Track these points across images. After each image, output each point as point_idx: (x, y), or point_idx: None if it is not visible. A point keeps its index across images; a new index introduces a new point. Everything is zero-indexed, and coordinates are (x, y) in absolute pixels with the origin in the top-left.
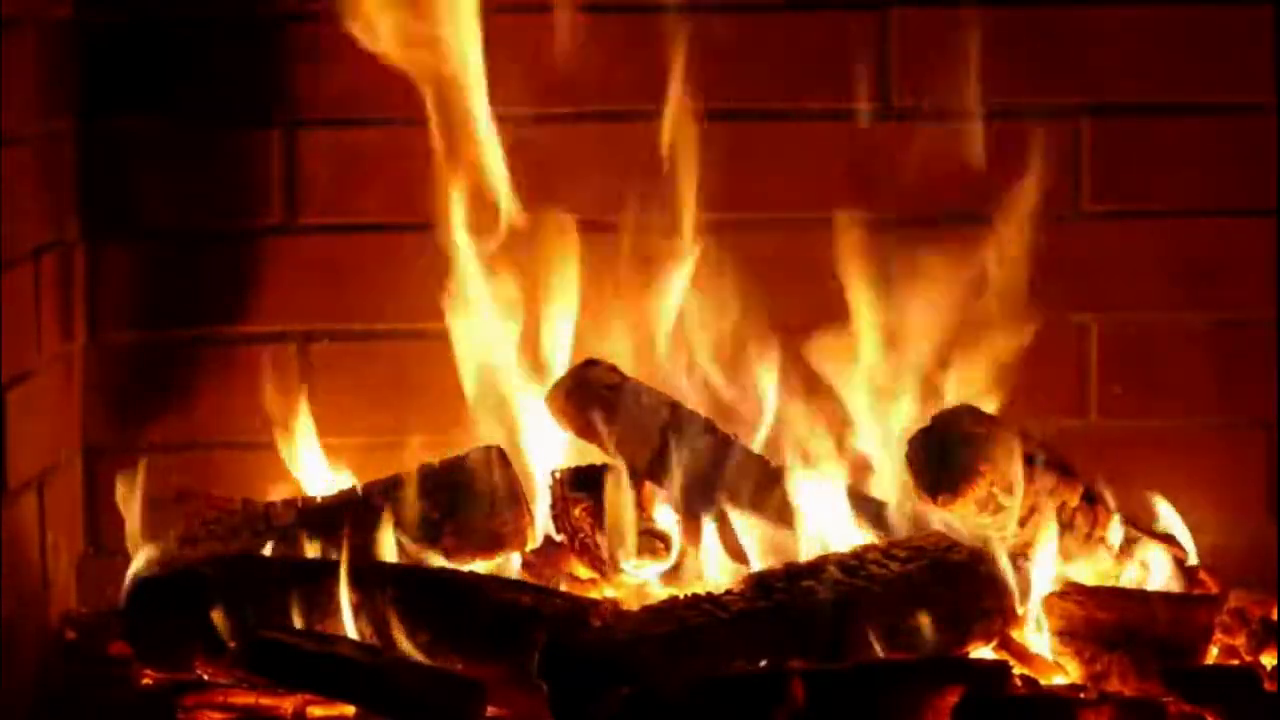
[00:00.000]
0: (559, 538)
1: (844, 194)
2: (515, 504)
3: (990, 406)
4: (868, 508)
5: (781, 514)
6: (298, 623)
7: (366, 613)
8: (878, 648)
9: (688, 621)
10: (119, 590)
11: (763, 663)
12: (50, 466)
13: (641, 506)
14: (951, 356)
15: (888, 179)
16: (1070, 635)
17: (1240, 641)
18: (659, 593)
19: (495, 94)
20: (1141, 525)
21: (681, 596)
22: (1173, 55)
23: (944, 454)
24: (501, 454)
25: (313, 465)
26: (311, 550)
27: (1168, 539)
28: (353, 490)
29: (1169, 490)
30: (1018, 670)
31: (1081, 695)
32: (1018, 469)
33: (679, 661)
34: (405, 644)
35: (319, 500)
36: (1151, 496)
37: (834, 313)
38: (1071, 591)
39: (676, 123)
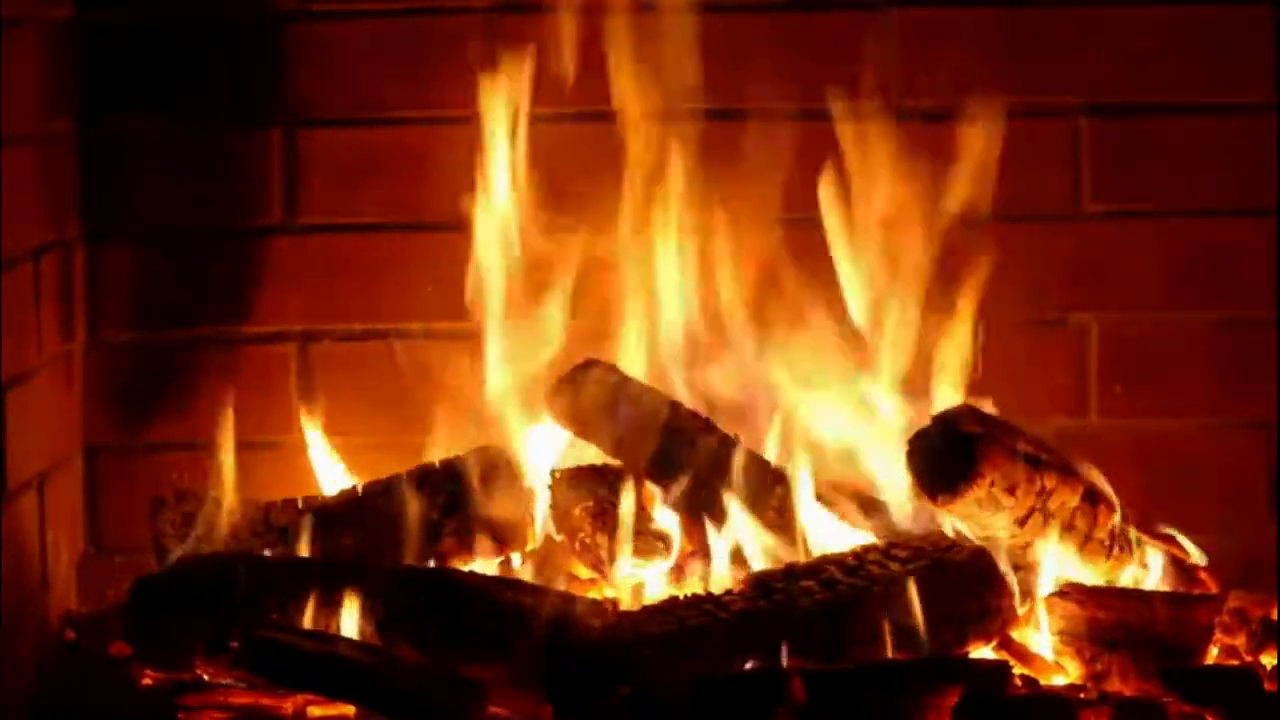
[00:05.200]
0: (559, 538)
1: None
2: (515, 504)
3: (990, 406)
4: (867, 507)
5: (782, 514)
6: (299, 622)
7: (367, 613)
8: (878, 648)
9: (688, 621)
10: (119, 590)
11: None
12: (50, 466)
13: (642, 506)
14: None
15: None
16: (1070, 635)
17: (1240, 641)
18: (659, 593)
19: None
20: (1142, 525)
21: (681, 596)
22: (1173, 55)
23: (944, 454)
24: (501, 454)
25: (313, 465)
26: (311, 550)
27: (1168, 539)
28: (353, 490)
29: (1169, 490)
30: (1018, 670)
31: (1081, 695)
32: (1018, 469)
33: (679, 661)
34: (405, 644)
35: (319, 500)
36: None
37: (833, 312)
38: (1071, 591)
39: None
